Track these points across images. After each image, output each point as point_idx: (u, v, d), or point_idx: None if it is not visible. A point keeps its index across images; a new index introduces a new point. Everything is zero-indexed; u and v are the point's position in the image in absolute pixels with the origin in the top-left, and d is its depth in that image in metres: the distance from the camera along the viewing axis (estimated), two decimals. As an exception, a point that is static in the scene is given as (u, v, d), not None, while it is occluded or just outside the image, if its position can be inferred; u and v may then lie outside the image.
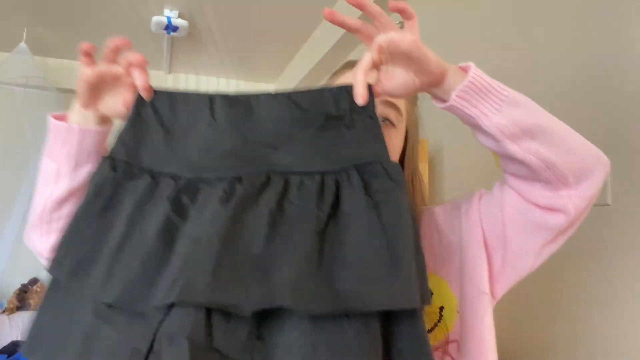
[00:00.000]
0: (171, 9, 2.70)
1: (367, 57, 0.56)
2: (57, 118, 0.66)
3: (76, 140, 0.63)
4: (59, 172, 0.63)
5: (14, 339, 2.80)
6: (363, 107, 0.56)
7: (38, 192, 0.65)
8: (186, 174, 0.56)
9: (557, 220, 0.60)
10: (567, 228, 0.62)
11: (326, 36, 2.70)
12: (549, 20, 1.31)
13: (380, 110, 0.68)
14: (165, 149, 0.59)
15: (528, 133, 0.57)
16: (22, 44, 2.90)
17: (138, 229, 0.54)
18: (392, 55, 0.57)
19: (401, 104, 0.73)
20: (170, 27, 2.75)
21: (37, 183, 0.66)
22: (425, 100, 2.06)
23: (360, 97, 0.55)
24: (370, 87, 0.56)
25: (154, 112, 0.59)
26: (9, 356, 2.60)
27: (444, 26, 1.83)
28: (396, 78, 0.58)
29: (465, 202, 0.72)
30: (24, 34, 2.91)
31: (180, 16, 2.75)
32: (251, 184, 0.54)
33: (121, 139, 0.61)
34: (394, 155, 0.71)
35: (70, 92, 3.47)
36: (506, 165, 0.63)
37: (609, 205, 1.10)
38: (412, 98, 0.78)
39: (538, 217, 0.61)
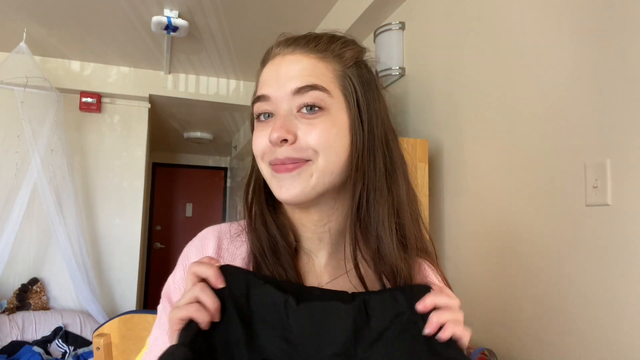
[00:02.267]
0: (171, 9, 2.70)
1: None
2: None
3: None
4: None
5: (14, 339, 2.80)
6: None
7: None
8: None
9: None
10: None
11: (326, 36, 2.70)
12: (551, 17, 1.31)
13: (298, 100, 0.57)
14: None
15: None
16: (22, 44, 2.90)
17: None
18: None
19: (325, 80, 0.59)
20: (170, 27, 2.75)
21: None
22: (426, 99, 2.06)
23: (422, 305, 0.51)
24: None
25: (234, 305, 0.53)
26: (9, 356, 2.61)
27: (448, 25, 1.83)
28: None
29: None
30: (24, 34, 2.92)
31: (180, 16, 2.75)
32: None
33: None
34: (337, 147, 0.59)
35: (70, 92, 3.48)
36: None
37: (609, 205, 1.10)
38: (341, 68, 0.61)
39: None
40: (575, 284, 1.18)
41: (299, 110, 0.58)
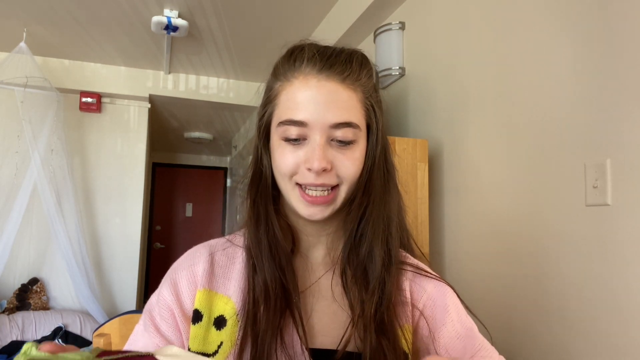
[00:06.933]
0: (171, 9, 2.70)
1: None
2: None
3: None
4: None
5: (14, 339, 2.80)
6: None
7: None
8: None
9: None
10: None
11: (327, 36, 2.70)
12: (551, 17, 1.31)
13: (334, 132, 0.60)
14: None
15: None
16: (22, 44, 2.90)
17: None
18: None
19: (357, 114, 0.62)
20: (170, 27, 2.75)
21: None
22: (426, 99, 2.06)
23: None
24: None
25: None
26: (9, 356, 2.61)
27: (449, 23, 1.83)
28: None
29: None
30: (24, 34, 2.92)
31: (180, 16, 2.75)
32: None
33: None
34: (358, 174, 0.64)
35: (70, 92, 3.48)
36: None
37: (609, 205, 1.10)
38: (366, 97, 0.64)
39: None
40: (575, 284, 1.18)
41: (332, 139, 0.61)
